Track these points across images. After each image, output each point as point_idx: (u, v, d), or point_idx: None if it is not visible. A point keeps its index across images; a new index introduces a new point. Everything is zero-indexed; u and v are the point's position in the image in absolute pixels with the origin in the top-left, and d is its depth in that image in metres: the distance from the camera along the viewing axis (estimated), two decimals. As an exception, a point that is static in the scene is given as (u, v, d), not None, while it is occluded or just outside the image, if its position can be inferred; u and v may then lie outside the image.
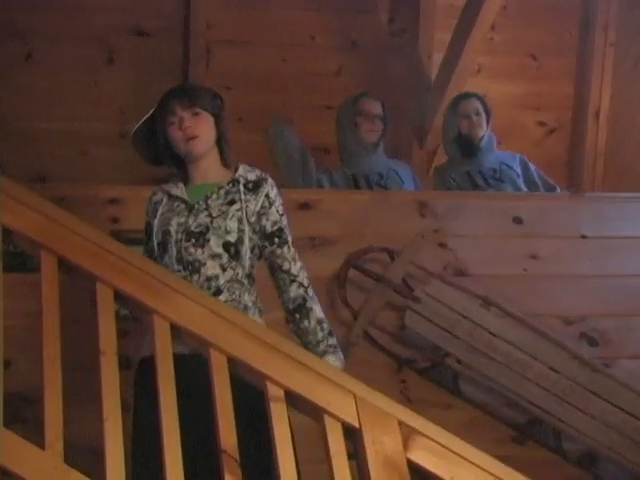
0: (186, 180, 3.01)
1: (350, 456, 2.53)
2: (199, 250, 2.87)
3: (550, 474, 3.55)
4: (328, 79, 5.31)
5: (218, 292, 2.87)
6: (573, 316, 4.01)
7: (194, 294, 2.65)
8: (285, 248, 2.95)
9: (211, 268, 2.87)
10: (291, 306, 2.93)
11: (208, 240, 2.88)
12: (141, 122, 3.01)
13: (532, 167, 4.60)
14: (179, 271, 2.86)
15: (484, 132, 4.55)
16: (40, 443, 2.30)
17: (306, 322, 2.90)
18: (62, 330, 2.49)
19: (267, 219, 2.95)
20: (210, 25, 5.18)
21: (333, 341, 2.90)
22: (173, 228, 2.90)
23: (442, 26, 5.24)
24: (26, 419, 3.07)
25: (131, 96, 5.04)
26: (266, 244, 2.95)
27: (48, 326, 2.49)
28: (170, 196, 2.98)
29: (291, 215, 3.88)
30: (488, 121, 4.58)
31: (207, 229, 2.89)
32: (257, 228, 2.93)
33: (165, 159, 3.02)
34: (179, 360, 2.53)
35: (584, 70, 5.50)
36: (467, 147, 4.52)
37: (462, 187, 4.46)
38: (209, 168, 3.00)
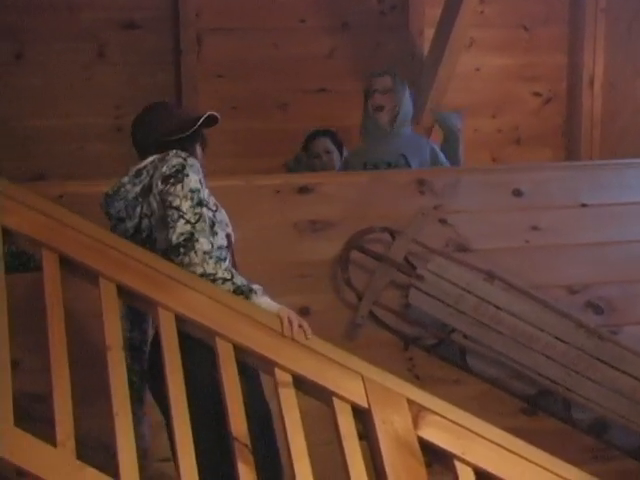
0: None
1: (361, 437, 2.54)
2: None
3: (561, 444, 3.54)
4: (320, 62, 5.29)
5: None
6: (577, 285, 4.01)
7: (199, 285, 2.66)
8: None
9: None
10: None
11: None
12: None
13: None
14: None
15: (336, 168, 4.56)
16: (52, 441, 2.31)
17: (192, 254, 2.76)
18: (67, 327, 2.50)
19: None
20: (199, 13, 5.16)
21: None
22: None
23: (432, 1, 5.21)
24: (38, 418, 3.07)
25: (124, 89, 5.04)
26: None
27: (53, 324, 2.50)
28: None
29: (290, 199, 3.92)
30: (341, 154, 4.62)
31: None
32: None
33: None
34: None
35: (576, 38, 5.47)
36: None
37: None
38: None
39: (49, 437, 2.32)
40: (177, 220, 2.76)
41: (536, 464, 2.62)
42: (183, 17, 5.10)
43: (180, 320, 2.60)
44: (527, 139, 5.51)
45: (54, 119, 5.01)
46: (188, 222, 2.75)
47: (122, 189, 2.96)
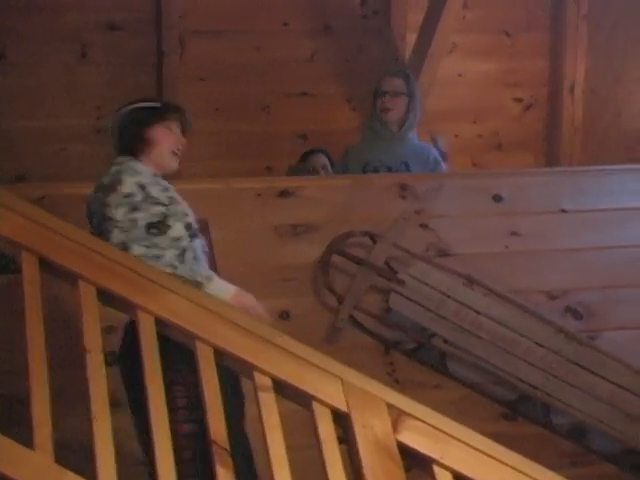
0: None
1: (340, 441, 2.54)
2: None
3: (541, 448, 3.57)
4: (303, 65, 5.31)
5: None
6: (557, 290, 4.03)
7: (179, 288, 2.65)
8: None
9: None
10: None
11: None
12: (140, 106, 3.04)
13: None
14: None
15: None
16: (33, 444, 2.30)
17: None
18: (46, 329, 2.49)
19: None
20: (182, 16, 5.17)
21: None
22: None
23: (415, 6, 5.24)
24: (23, 421, 3.06)
25: (106, 91, 5.03)
26: None
27: (32, 326, 2.49)
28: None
29: (271, 202, 3.92)
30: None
31: None
32: None
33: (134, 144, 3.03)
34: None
35: (558, 44, 5.52)
36: None
37: None
38: None
39: (30, 439, 2.30)
40: (112, 231, 2.81)
41: (514, 468, 2.62)
42: (166, 19, 5.11)
43: (160, 323, 2.59)
44: (508, 144, 5.54)
45: (36, 120, 4.99)
46: (122, 230, 2.79)
47: (92, 196, 2.99)
